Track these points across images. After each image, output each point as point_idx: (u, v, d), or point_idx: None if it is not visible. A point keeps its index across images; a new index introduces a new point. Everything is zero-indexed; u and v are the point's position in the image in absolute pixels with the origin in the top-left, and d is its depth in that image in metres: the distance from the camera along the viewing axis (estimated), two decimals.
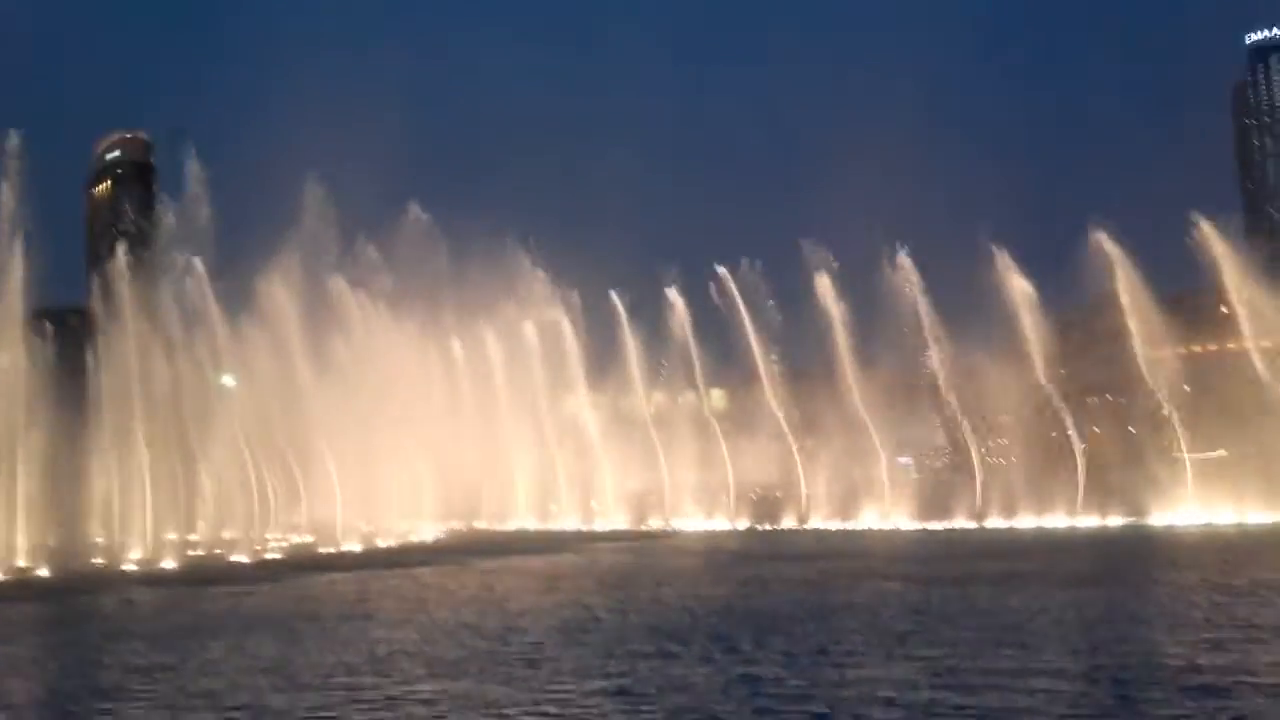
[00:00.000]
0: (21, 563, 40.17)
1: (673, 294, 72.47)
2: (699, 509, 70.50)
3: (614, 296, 74.14)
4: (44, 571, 39.35)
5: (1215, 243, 57.43)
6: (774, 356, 70.31)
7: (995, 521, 57.57)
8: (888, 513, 63.20)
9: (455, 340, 70.08)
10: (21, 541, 41.13)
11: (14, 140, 43.78)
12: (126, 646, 22.04)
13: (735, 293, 69.82)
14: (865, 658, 18.49)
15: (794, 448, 68.61)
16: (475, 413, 69.36)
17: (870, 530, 60.18)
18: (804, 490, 67.26)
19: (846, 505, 64.42)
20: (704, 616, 24.41)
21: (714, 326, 73.08)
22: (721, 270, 70.47)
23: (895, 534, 57.21)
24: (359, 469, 57.51)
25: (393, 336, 61.20)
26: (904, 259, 64.28)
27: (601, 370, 76.63)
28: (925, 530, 57.48)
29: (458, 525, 67.51)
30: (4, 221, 43.02)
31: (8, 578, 37.93)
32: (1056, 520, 56.48)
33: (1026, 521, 56.48)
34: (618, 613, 25.57)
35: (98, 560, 43.86)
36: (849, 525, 62.46)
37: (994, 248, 61.59)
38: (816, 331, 67.08)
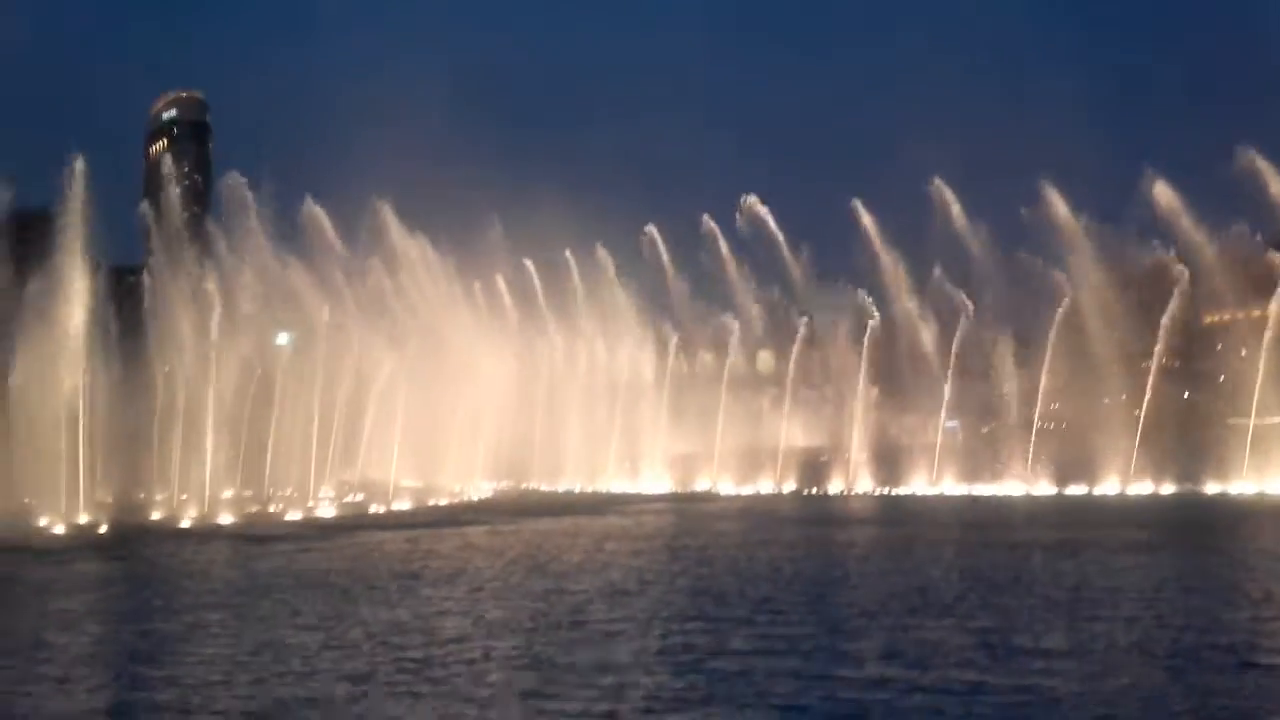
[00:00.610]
0: (82, 519, 41.27)
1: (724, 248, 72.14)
2: (745, 472, 70.47)
3: (654, 232, 74.18)
4: (103, 528, 40.42)
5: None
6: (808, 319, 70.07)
7: (1046, 487, 56.94)
8: (936, 478, 62.77)
9: (507, 299, 70.40)
10: (82, 498, 42.24)
11: None
12: (179, 603, 22.58)
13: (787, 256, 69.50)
14: (912, 624, 18.44)
15: (841, 411, 68.26)
16: (526, 372, 69.69)
17: (917, 495, 59.86)
18: (852, 454, 66.97)
19: (894, 470, 64.04)
20: (749, 579, 24.48)
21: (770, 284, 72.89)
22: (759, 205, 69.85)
23: (943, 499, 56.85)
24: (410, 427, 58.21)
25: (445, 291, 61.49)
26: (941, 187, 63.09)
27: (651, 331, 76.60)
28: (973, 496, 57.05)
29: (507, 485, 68.19)
30: (67, 183, 43.85)
31: (68, 533, 39.02)
32: (1109, 487, 55.72)
33: (1078, 488, 55.81)
34: (663, 574, 25.74)
35: (156, 516, 44.93)
36: (896, 490, 62.18)
37: (1050, 193, 60.31)
38: (867, 291, 66.66)
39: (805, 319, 70.41)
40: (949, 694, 13.57)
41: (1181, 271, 57.60)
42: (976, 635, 17.15)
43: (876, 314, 65.60)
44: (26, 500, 42.55)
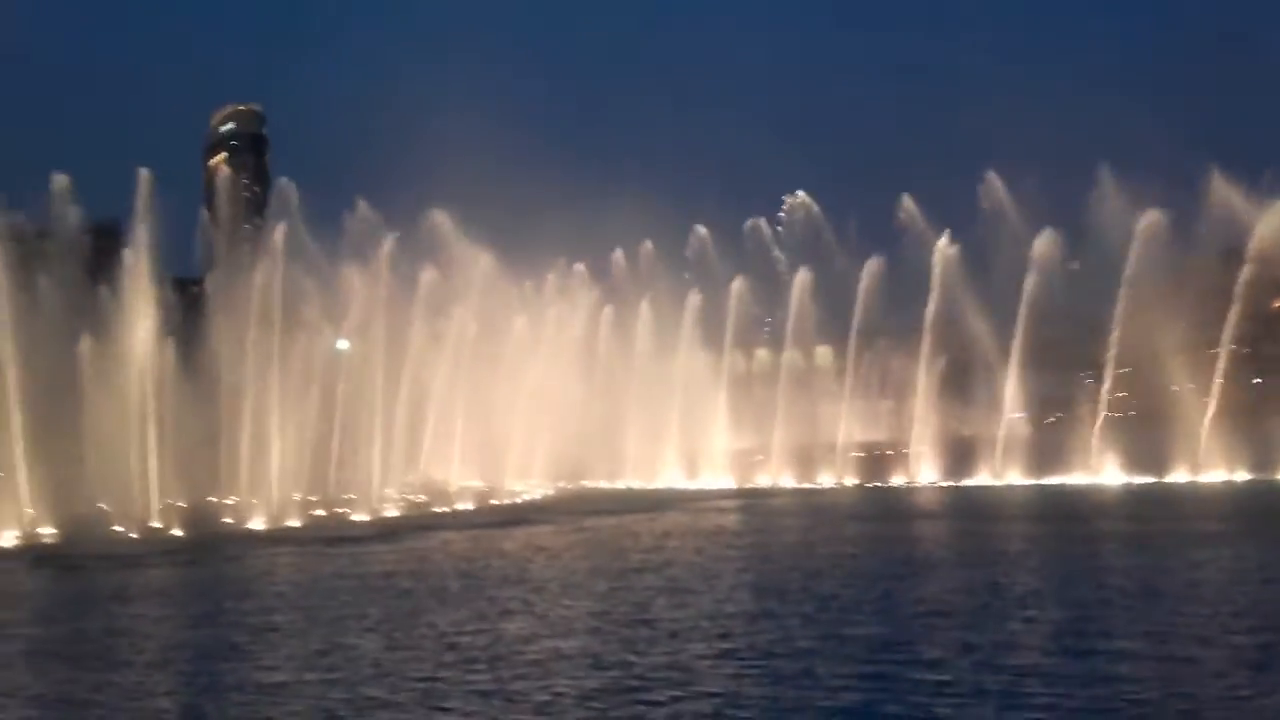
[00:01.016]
0: (155, 524, 42.16)
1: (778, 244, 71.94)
2: (806, 467, 70.01)
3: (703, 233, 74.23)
4: (176, 532, 41.25)
5: None
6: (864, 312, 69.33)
7: (1114, 477, 55.80)
8: (1000, 469, 61.79)
9: (562, 299, 70.62)
10: (154, 503, 43.18)
11: None
12: (250, 605, 22.95)
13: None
14: (981, 620, 18.14)
15: (902, 404, 67.52)
16: (583, 370, 69.86)
17: (982, 487, 58.96)
18: (914, 447, 66.19)
19: (958, 462, 63.17)
20: (813, 575, 24.28)
21: (824, 280, 72.36)
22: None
23: (1008, 491, 55.94)
24: (471, 428, 58.50)
25: (503, 289, 61.70)
26: (994, 183, 62.00)
27: (709, 325, 76.51)
28: (1040, 487, 56.07)
29: (567, 484, 68.41)
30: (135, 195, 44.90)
31: (141, 537, 39.88)
32: (1178, 476, 54.44)
33: (1147, 477, 54.60)
34: (726, 571, 25.62)
35: (226, 520, 45.74)
36: (960, 482, 61.32)
37: (1108, 181, 58.99)
38: (922, 287, 65.86)
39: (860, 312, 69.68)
40: (1024, 696, 13.31)
41: (1250, 256, 56.12)
42: (1050, 632, 16.82)
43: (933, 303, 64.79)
44: (100, 506, 43.60)
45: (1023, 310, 61.50)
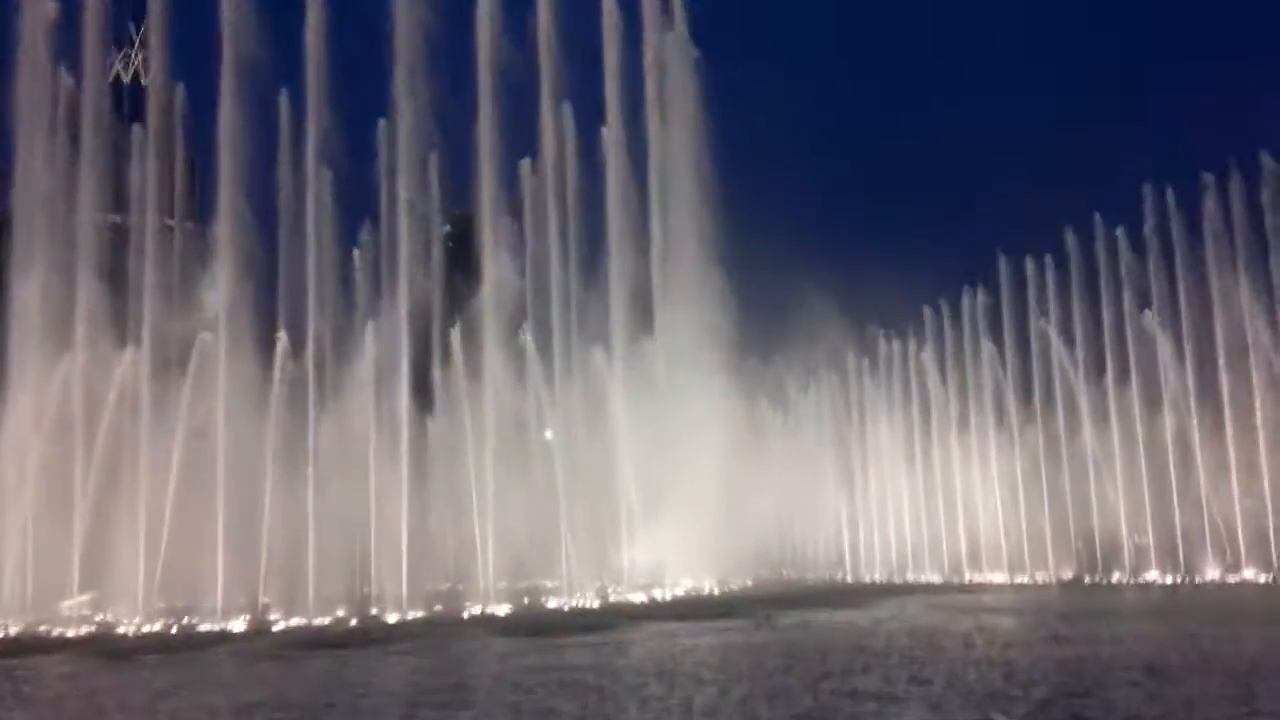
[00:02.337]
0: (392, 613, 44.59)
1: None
2: (1012, 559, 67.05)
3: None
4: (392, 618, 43.49)
5: None
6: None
7: None
8: (1236, 564, 57.34)
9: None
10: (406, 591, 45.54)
11: None
12: (455, 698, 23.83)
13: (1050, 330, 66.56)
14: None
15: (1121, 489, 63.82)
16: (765, 458, 69.61)
17: (1217, 583, 54.88)
18: (1135, 538, 62.34)
19: (1189, 555, 58.98)
20: (1029, 685, 23.17)
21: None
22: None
23: (1244, 588, 51.82)
24: (675, 514, 58.87)
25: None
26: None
27: (896, 412, 75.25)
28: None
29: (766, 574, 67.84)
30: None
31: (395, 624, 42.14)
32: None
33: None
34: (931, 681, 24.76)
35: (437, 608, 47.71)
36: (1191, 579, 57.22)
37: None
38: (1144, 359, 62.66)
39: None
40: None
41: None
42: None
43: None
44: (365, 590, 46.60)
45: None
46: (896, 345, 77.22)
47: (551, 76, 56.34)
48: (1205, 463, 59.34)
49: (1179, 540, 60.00)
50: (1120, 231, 64.83)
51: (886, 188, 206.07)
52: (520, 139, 56.41)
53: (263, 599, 43.68)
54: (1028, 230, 71.55)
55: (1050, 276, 68.15)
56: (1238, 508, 58.42)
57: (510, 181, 55.82)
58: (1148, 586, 56.55)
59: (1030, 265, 69.10)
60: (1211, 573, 57.52)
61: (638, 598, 53.27)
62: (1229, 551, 58.32)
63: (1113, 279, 65.04)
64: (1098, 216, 66.03)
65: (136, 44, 53.68)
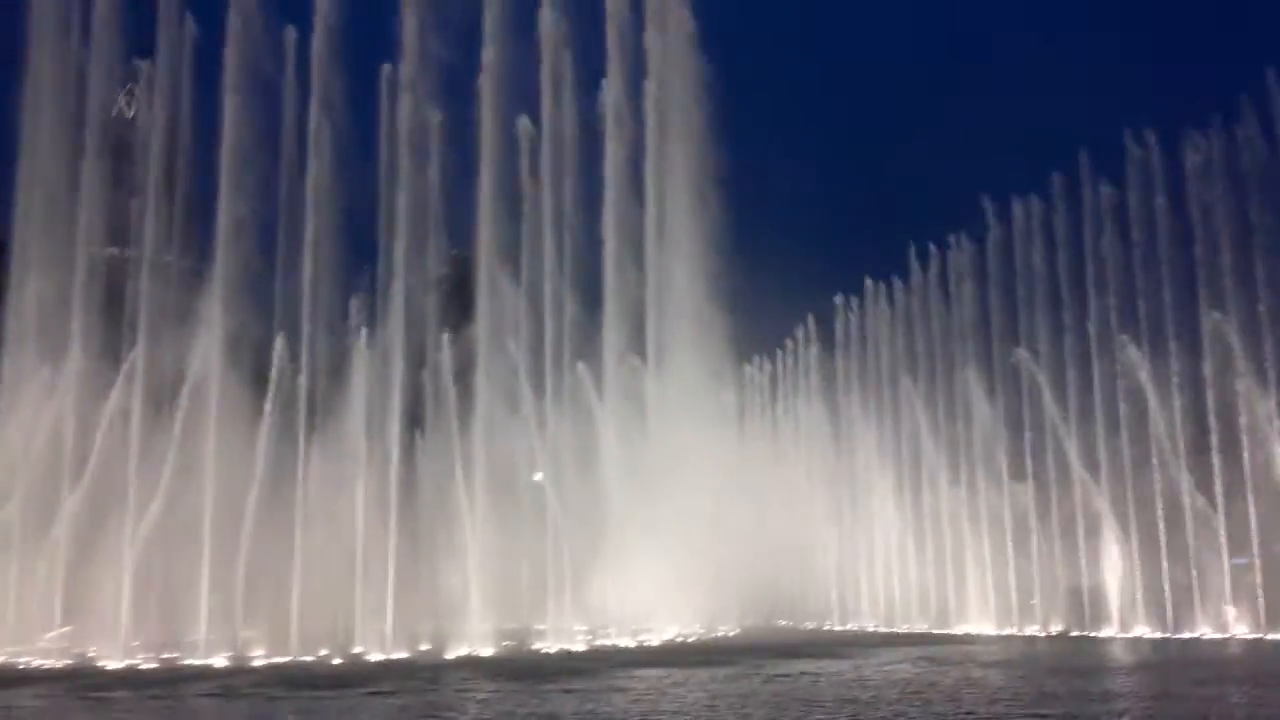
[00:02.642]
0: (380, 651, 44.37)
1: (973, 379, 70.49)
2: (1003, 612, 66.84)
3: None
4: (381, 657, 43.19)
5: None
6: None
7: None
8: (1224, 620, 57.16)
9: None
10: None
11: None
12: None
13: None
14: None
15: (1110, 544, 63.74)
16: (766, 504, 69.55)
17: (1205, 639, 54.66)
18: (1122, 592, 62.17)
19: (1175, 610, 58.83)
20: None
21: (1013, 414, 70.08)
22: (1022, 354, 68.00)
23: (1232, 644, 51.61)
24: (662, 561, 58.67)
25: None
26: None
27: (897, 461, 75.30)
28: (1276, 643, 51.44)
29: (754, 621, 67.51)
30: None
31: (377, 663, 41.81)
32: None
33: None
34: None
35: (424, 647, 47.40)
36: (1177, 634, 57.02)
37: None
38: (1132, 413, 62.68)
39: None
40: None
41: None
42: None
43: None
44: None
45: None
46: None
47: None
48: (1193, 517, 59.29)
49: (1166, 595, 59.83)
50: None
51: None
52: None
53: (244, 634, 43.37)
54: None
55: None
56: (1226, 564, 58.35)
57: (510, 227, 56.05)
58: (1136, 641, 56.28)
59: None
60: (1201, 628, 57.33)
61: (625, 642, 52.94)
62: (1218, 607, 58.18)
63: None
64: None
65: (141, 81, 54.06)
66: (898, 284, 78.61)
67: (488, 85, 53.24)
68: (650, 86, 60.68)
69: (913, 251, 76.71)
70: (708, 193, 60.23)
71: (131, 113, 55.54)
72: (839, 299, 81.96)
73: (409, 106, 51.80)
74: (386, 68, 52.91)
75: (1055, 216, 67.98)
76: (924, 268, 76.30)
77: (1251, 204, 58.24)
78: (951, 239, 74.70)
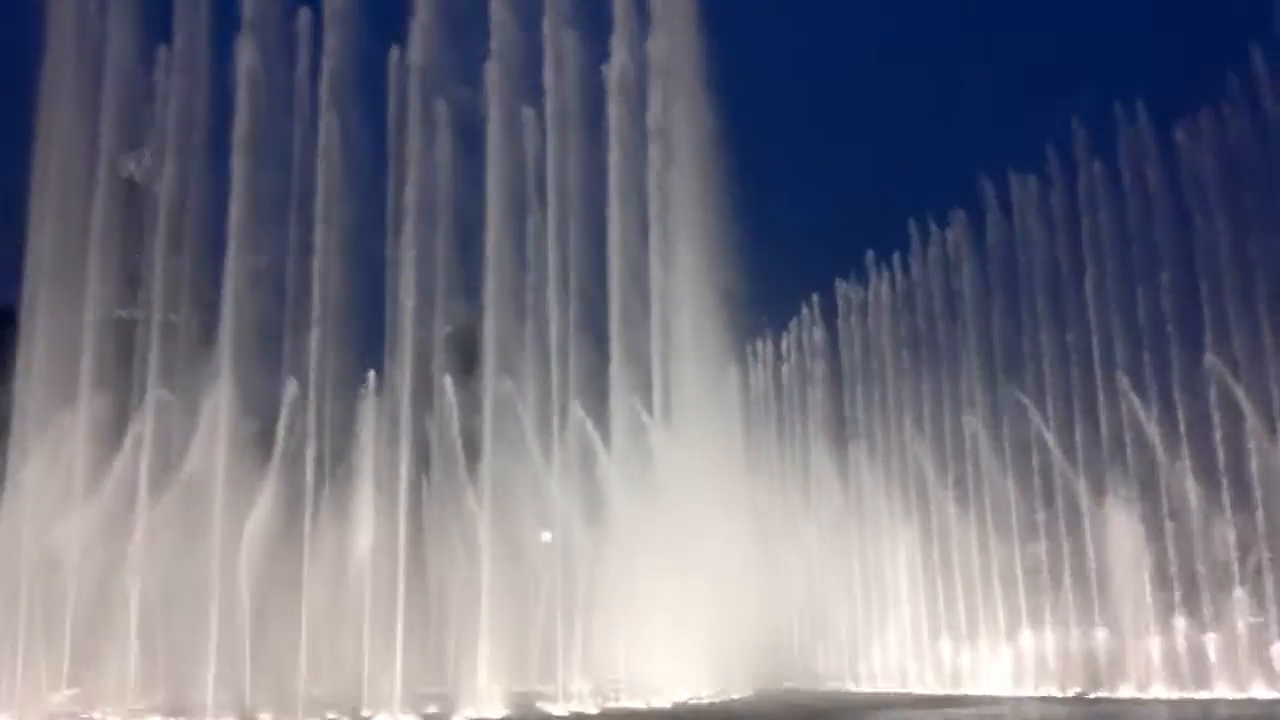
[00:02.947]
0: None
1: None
2: (1015, 672, 65.77)
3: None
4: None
5: None
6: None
7: None
8: (1244, 680, 56.13)
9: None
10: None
11: None
12: None
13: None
14: None
15: (1126, 599, 62.77)
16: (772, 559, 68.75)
17: (1227, 700, 53.67)
18: (1144, 650, 61.02)
19: (1196, 670, 57.72)
20: None
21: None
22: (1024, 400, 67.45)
23: (1252, 705, 50.63)
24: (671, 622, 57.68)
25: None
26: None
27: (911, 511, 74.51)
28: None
29: (766, 684, 66.26)
30: None
31: None
32: None
33: None
34: None
35: (431, 710, 46.55)
36: (1200, 694, 55.97)
37: None
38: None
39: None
40: None
41: None
42: None
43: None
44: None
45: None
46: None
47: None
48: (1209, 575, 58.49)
49: (1183, 654, 58.91)
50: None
51: None
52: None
53: (250, 699, 42.75)
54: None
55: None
56: (1240, 623, 57.47)
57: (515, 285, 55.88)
58: (1153, 702, 55.29)
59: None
60: (1220, 688, 56.32)
61: (636, 704, 52.03)
62: (1235, 667, 57.16)
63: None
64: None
65: (151, 143, 54.71)
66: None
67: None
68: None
69: None
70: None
71: (140, 175, 55.97)
72: None
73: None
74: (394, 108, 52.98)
75: None
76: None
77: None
78: None
